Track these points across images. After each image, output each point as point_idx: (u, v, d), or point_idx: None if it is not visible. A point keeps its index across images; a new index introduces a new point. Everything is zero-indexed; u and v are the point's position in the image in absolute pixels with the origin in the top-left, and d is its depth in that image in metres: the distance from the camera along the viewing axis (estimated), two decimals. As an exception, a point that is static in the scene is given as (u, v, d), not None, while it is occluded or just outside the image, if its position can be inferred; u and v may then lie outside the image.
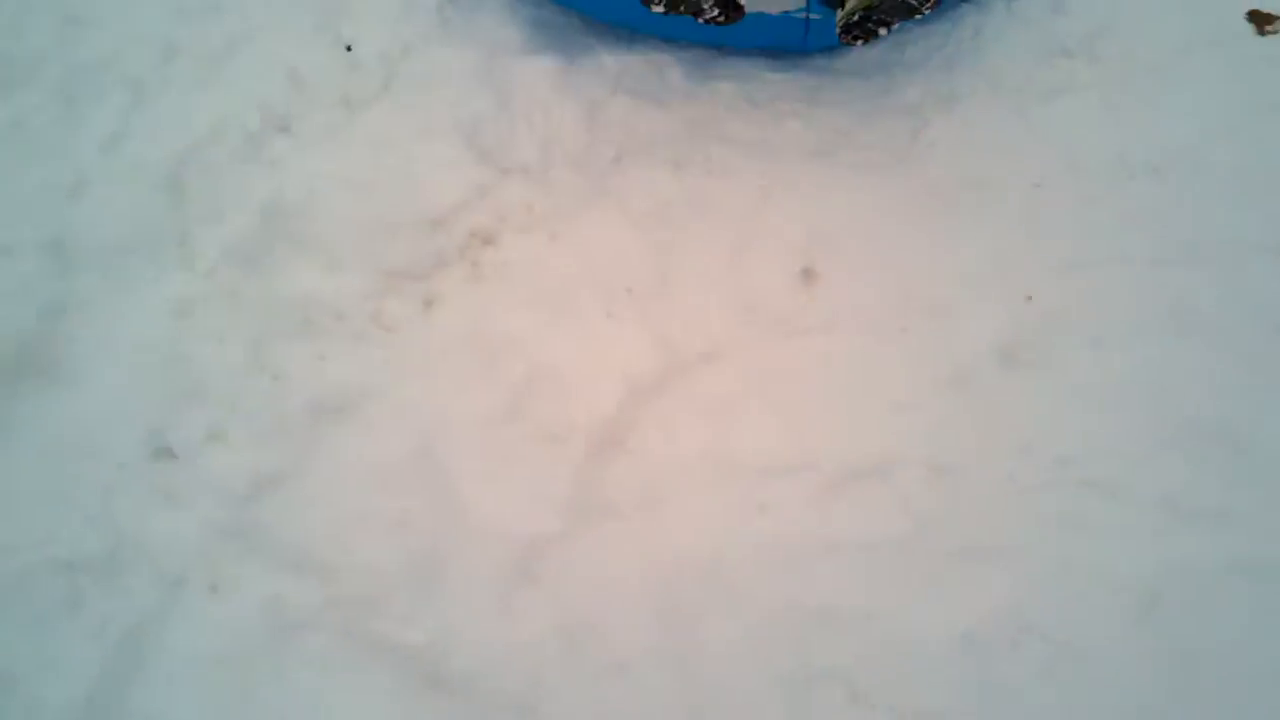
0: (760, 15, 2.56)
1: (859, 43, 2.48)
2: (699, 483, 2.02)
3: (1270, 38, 2.67)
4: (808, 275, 2.31)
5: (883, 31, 2.45)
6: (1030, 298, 2.29)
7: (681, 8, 2.40)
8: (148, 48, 2.70)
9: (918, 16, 2.43)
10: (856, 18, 2.41)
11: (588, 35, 2.80)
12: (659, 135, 2.58)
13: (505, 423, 2.04)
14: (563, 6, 2.77)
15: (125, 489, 1.91)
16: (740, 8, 2.41)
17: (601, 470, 2.01)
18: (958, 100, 2.65)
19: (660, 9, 2.40)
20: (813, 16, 2.58)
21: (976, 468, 2.05)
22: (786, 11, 2.57)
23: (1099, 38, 2.76)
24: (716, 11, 2.42)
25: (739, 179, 2.47)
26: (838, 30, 2.44)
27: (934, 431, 2.10)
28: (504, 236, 2.34)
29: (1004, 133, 2.58)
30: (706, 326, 2.20)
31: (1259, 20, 2.70)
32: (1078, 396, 2.15)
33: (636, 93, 2.66)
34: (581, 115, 2.61)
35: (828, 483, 2.04)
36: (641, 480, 2.01)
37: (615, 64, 2.71)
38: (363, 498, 1.94)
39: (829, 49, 2.70)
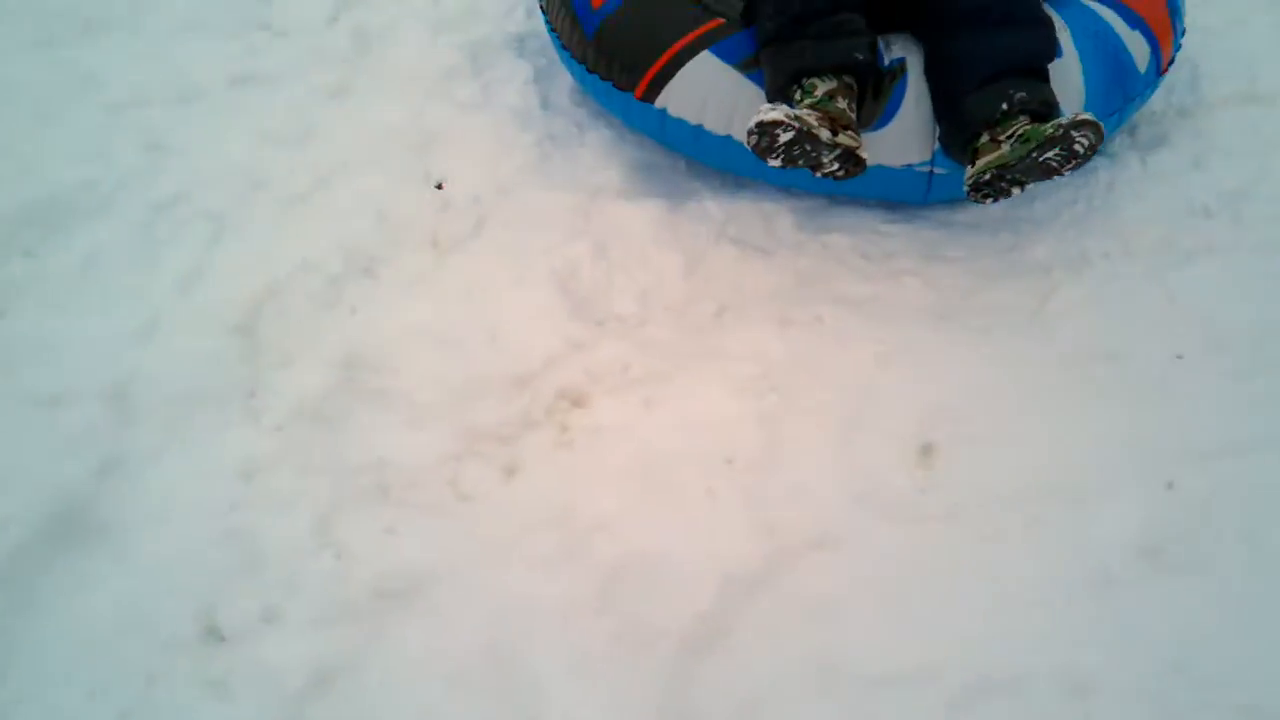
0: (880, 168, 2.38)
1: (989, 201, 2.28)
2: (803, 692, 1.78)
3: None
4: (926, 452, 2.09)
5: (1016, 191, 2.27)
6: (1171, 485, 2.05)
7: (800, 162, 2.24)
8: (232, 179, 2.60)
9: (1057, 177, 2.22)
10: (988, 176, 2.23)
11: (692, 179, 2.66)
12: (765, 289, 2.41)
13: (590, 615, 1.83)
14: (668, 148, 2.59)
15: (168, 676, 1.72)
16: (861, 161, 2.25)
17: (695, 674, 1.79)
18: (1089, 262, 2.45)
19: (777, 163, 2.25)
20: (937, 171, 2.40)
21: (1119, 686, 1.80)
22: (910, 165, 2.40)
23: (1242, 198, 2.57)
24: (836, 166, 2.26)
25: (852, 341, 2.28)
26: (966, 188, 2.26)
27: (1070, 641, 1.86)
28: (595, 399, 2.15)
29: (1140, 299, 2.37)
30: (815, 509, 1.98)
31: None
32: (1233, 605, 1.90)
33: (742, 242, 2.50)
34: (683, 265, 2.45)
35: (950, 698, 1.79)
36: (739, 688, 1.77)
37: (720, 211, 2.55)
38: (429, 695, 1.73)
39: (950, 200, 2.48)
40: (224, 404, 2.12)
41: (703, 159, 2.58)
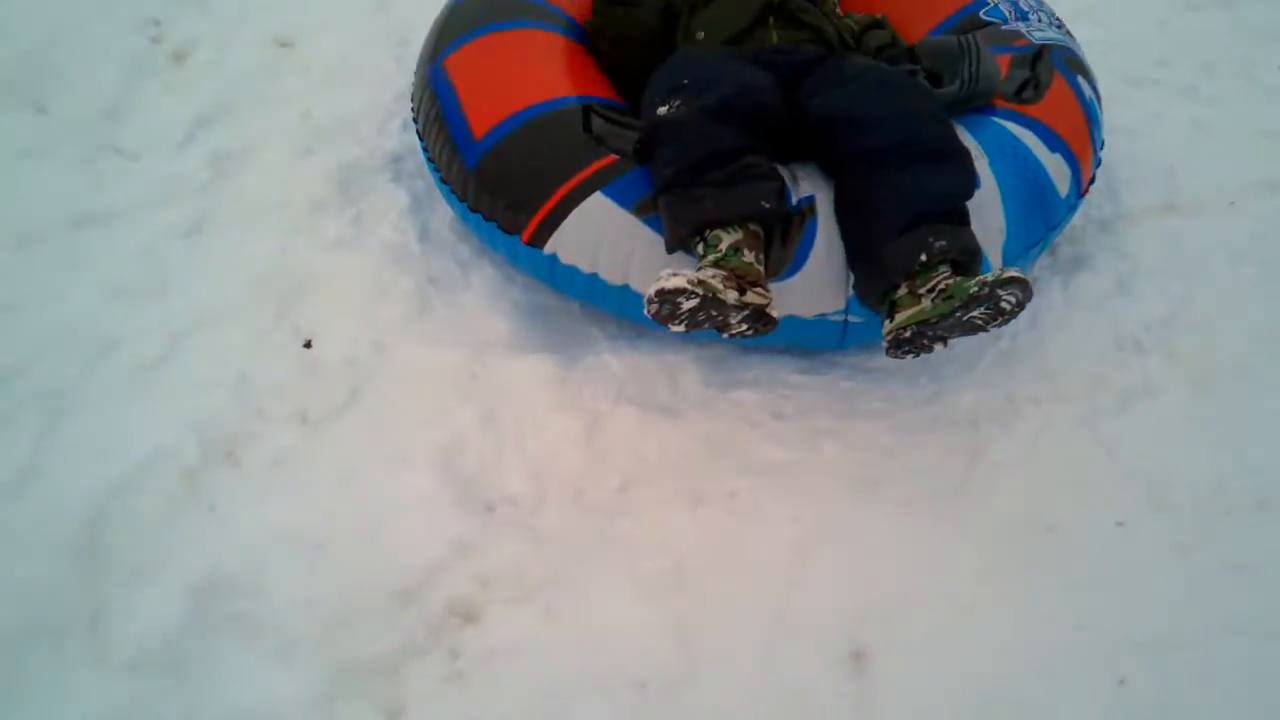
0: (791, 319, 2.18)
1: (909, 357, 2.08)
2: None
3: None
4: (857, 660, 1.91)
5: (939, 347, 2.08)
6: (1123, 682, 1.90)
7: (706, 326, 2.03)
8: (76, 345, 2.32)
9: (982, 333, 2.03)
10: (908, 333, 2.02)
11: (588, 324, 2.44)
12: (672, 459, 2.20)
13: None
14: (560, 292, 2.36)
15: None
16: (772, 320, 2.06)
17: None
18: (1018, 411, 2.28)
19: (680, 329, 2.04)
20: (852, 320, 2.21)
21: None
22: (823, 314, 2.20)
23: (1172, 327, 2.43)
24: (745, 327, 2.07)
25: (770, 523, 2.08)
26: (885, 344, 2.07)
27: None
28: (489, 611, 1.92)
29: (1075, 455, 2.22)
30: (740, 742, 1.75)
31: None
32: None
33: (645, 403, 2.28)
34: (580, 432, 2.23)
35: None
36: None
37: (620, 365, 2.34)
38: None
39: (866, 344, 2.31)
40: (62, 640, 1.84)
41: (599, 306, 2.34)
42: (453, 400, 2.25)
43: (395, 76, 2.98)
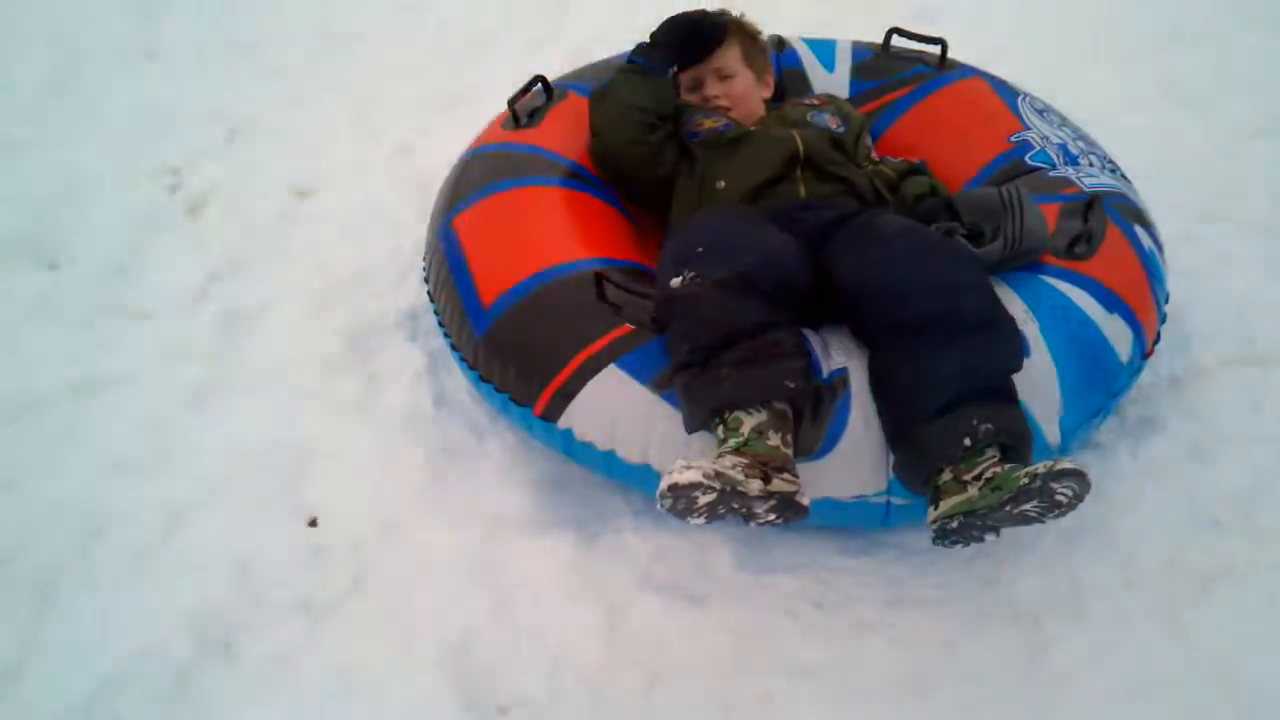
0: (828, 502, 1.99)
1: (959, 547, 1.87)
2: None
3: None
4: None
5: (990, 537, 1.86)
6: None
7: (729, 517, 1.86)
8: (72, 524, 2.19)
9: (1042, 521, 1.82)
10: (956, 523, 1.82)
11: (611, 495, 2.27)
12: (701, 655, 2.00)
13: None
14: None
15: None
16: (802, 508, 1.86)
17: None
18: (1085, 601, 2.06)
19: (700, 521, 1.84)
20: (895, 501, 2.01)
21: None
22: (862, 497, 2.00)
23: (1255, 500, 2.21)
24: (773, 516, 1.87)
25: (809, 735, 1.83)
26: (931, 533, 1.87)
27: None
28: None
29: (1151, 655, 1.98)
30: None
31: None
32: None
33: (671, 589, 2.10)
34: (601, 622, 2.05)
35: None
36: None
37: (644, 544, 2.15)
38: None
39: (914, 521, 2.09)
40: None
41: (620, 479, 2.16)
42: (463, 586, 2.09)
43: (415, 225, 2.86)
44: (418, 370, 2.53)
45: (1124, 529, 2.16)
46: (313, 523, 2.22)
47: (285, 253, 2.89)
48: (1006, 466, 1.81)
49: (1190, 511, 2.19)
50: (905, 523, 2.09)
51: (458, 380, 2.49)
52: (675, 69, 2.60)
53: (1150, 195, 2.51)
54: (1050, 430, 2.04)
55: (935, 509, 1.86)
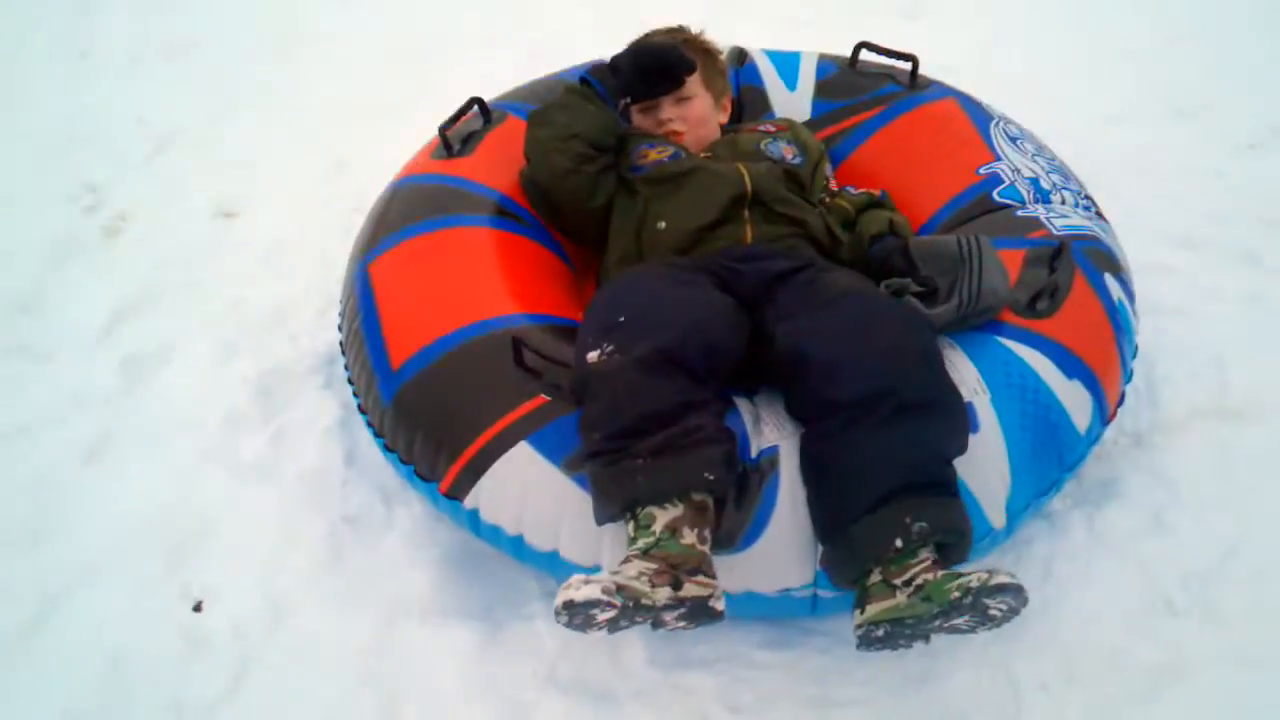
0: (750, 596, 1.84)
1: (885, 652, 1.69)
2: None
3: None
4: None
5: (920, 644, 1.68)
6: None
7: (631, 627, 1.68)
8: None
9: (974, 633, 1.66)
10: (882, 631, 1.66)
11: (522, 576, 2.08)
12: (604, 765, 1.79)
13: None
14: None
15: None
16: (716, 613, 1.69)
17: None
18: (1021, 701, 1.88)
19: (602, 632, 1.65)
20: (822, 594, 1.83)
21: None
22: (787, 590, 1.82)
23: (1215, 580, 2.03)
24: (683, 623, 1.70)
25: None
26: (855, 637, 1.70)
27: None
28: None
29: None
30: None
31: None
32: None
33: (578, 688, 1.93)
34: (499, 730, 1.83)
35: None
36: None
37: (552, 635, 1.98)
38: None
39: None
40: None
41: (530, 565, 1.98)
42: (351, 684, 1.92)
43: (341, 255, 2.64)
44: (329, 424, 2.37)
45: (1070, 614, 1.98)
46: (197, 607, 2.07)
47: (200, 285, 2.72)
48: (939, 574, 1.64)
49: (1144, 592, 2.01)
50: (833, 613, 1.92)
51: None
52: (628, 100, 2.38)
53: (1128, 221, 2.36)
54: (995, 515, 1.87)
55: (861, 613, 1.69)
